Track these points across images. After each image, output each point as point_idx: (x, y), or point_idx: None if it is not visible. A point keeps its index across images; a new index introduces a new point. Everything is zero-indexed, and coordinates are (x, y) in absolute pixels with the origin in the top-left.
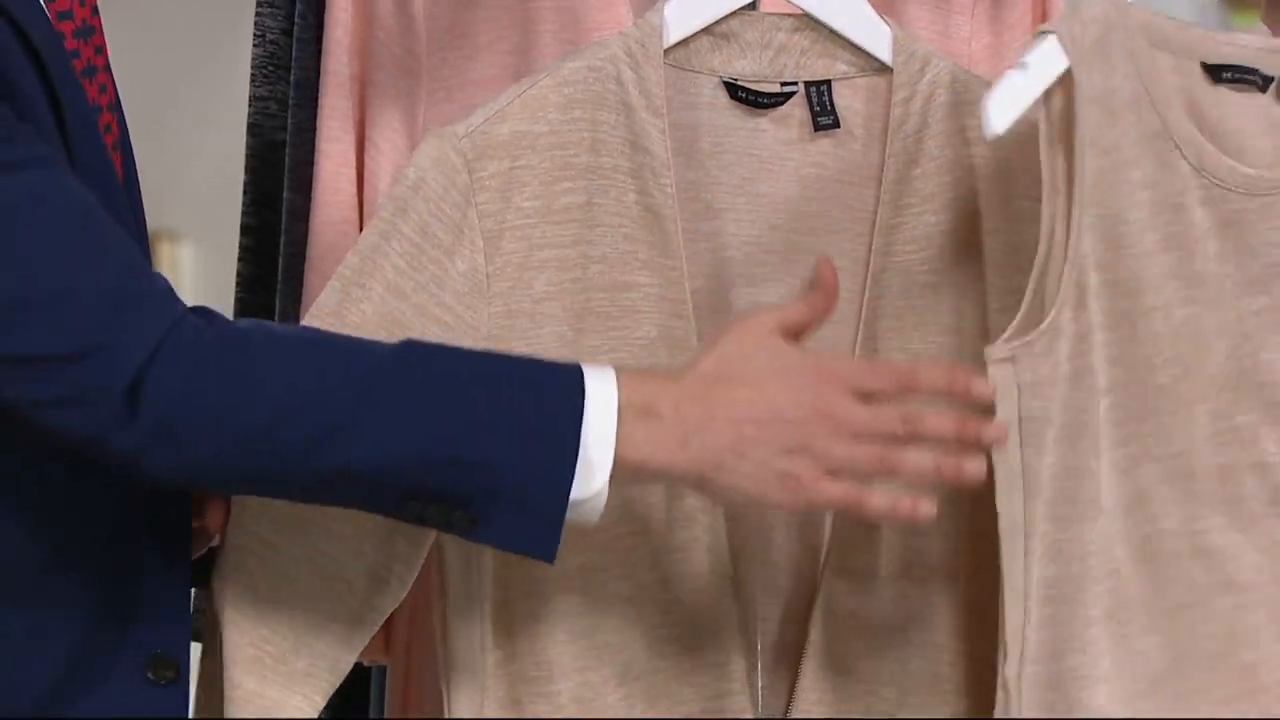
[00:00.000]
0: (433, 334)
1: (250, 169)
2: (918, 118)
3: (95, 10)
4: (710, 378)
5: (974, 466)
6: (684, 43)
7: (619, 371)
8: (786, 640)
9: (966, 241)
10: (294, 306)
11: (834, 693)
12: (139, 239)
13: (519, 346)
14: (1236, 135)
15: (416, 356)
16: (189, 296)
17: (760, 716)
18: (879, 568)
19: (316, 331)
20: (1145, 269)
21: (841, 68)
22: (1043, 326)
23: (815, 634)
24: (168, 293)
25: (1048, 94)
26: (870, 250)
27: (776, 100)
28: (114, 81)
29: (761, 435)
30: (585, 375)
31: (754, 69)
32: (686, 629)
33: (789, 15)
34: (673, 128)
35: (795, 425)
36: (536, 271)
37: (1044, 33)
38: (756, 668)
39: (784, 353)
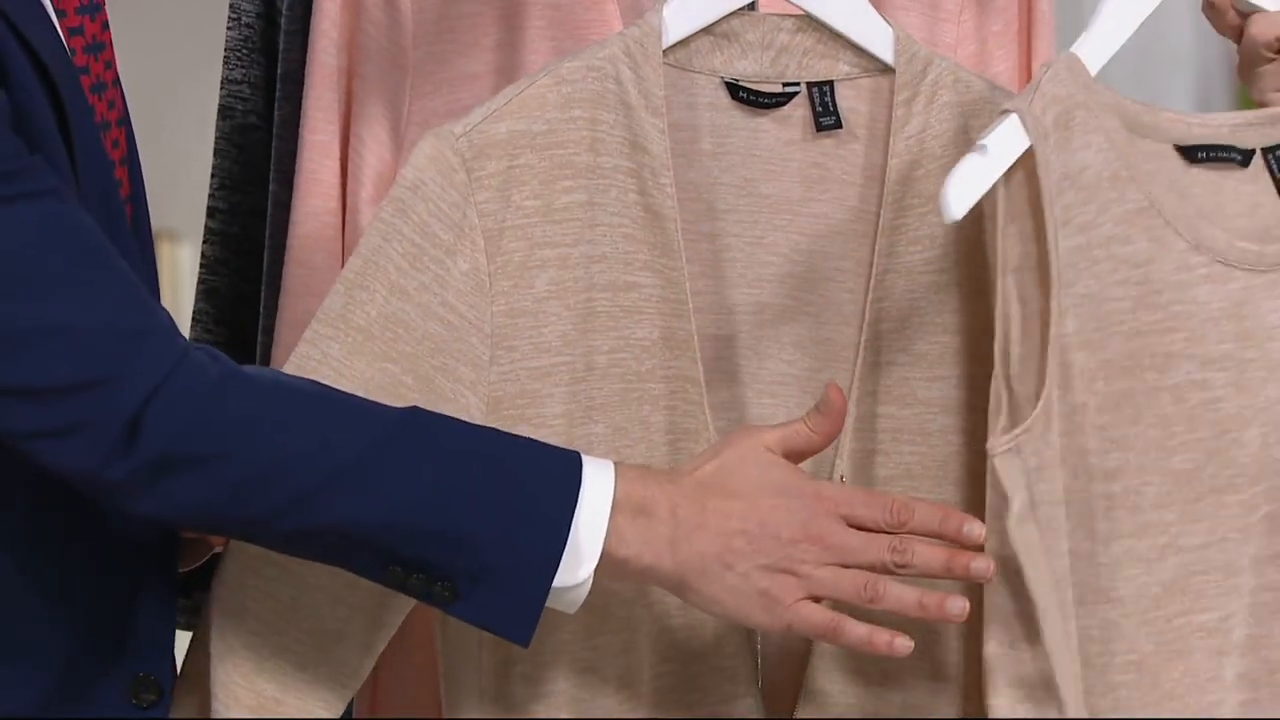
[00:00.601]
0: (436, 333)
1: (219, 152)
2: (920, 118)
3: (106, 25)
4: (707, 485)
5: (957, 605)
6: (685, 43)
7: (618, 465)
8: (792, 642)
9: (970, 241)
10: (274, 299)
11: (840, 695)
12: (145, 254)
13: (523, 346)
14: (1216, 214)
15: (420, 425)
16: (188, 297)
17: (767, 718)
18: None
19: (323, 386)
20: (1144, 348)
21: (844, 68)
22: (1038, 410)
23: None
24: (171, 329)
25: (1008, 175)
26: (874, 251)
27: (778, 100)
28: (124, 96)
29: (750, 549)
30: (584, 464)
31: (756, 69)
32: (692, 631)
33: (790, 16)
34: (674, 128)
35: (784, 544)
36: (538, 270)
37: (1005, 112)
38: (760, 670)
39: (783, 471)
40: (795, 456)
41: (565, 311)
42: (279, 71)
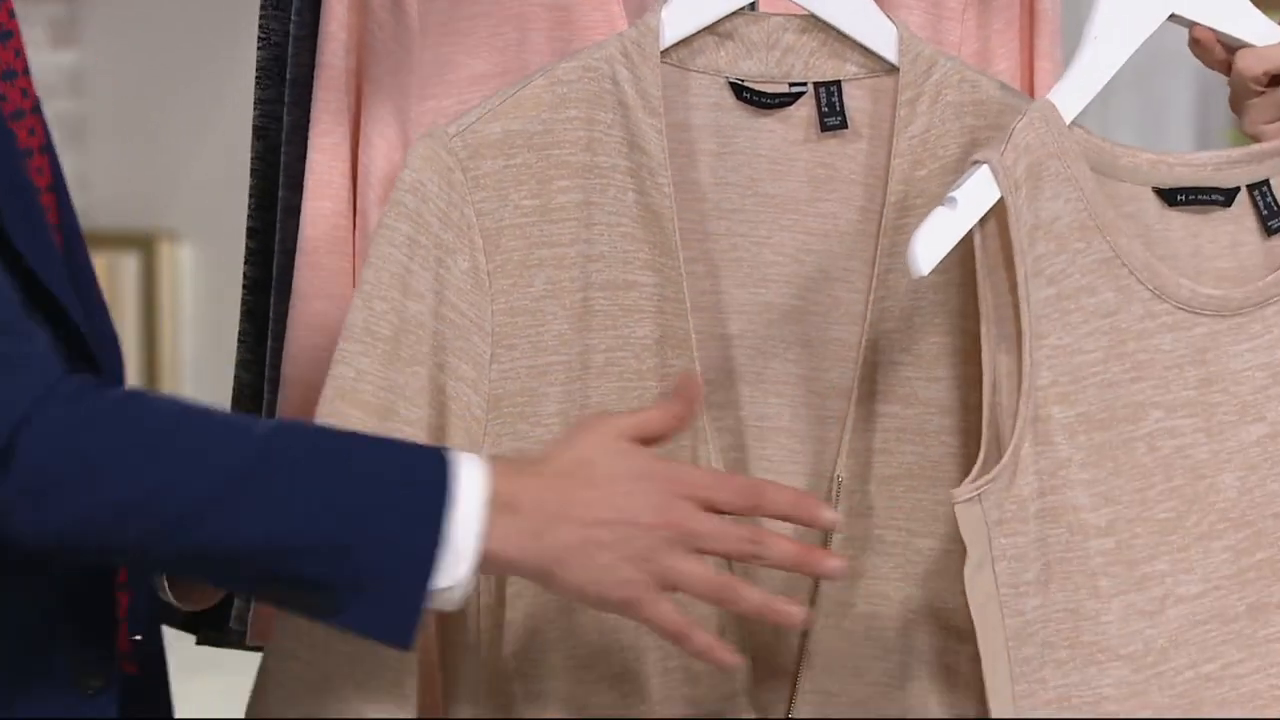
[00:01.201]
0: (441, 332)
1: (254, 172)
2: (924, 118)
3: (12, 14)
4: (567, 475)
5: (798, 613)
6: (688, 43)
7: (487, 460)
8: (786, 642)
9: (972, 243)
10: (284, 304)
11: (834, 694)
12: (73, 246)
13: (522, 344)
14: (1193, 258)
15: (290, 438)
16: (189, 296)
17: (762, 718)
18: (879, 569)
19: (195, 408)
20: (1116, 399)
21: (852, 69)
22: (1002, 463)
23: (815, 635)
24: (47, 355)
25: (981, 225)
26: (876, 251)
27: (783, 101)
28: (33, 85)
29: (610, 539)
30: (456, 464)
31: (761, 69)
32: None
33: (795, 15)
34: (678, 128)
35: (644, 532)
36: (536, 270)
37: (975, 162)
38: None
39: (639, 457)
40: (650, 442)
41: (561, 311)
42: (288, 77)
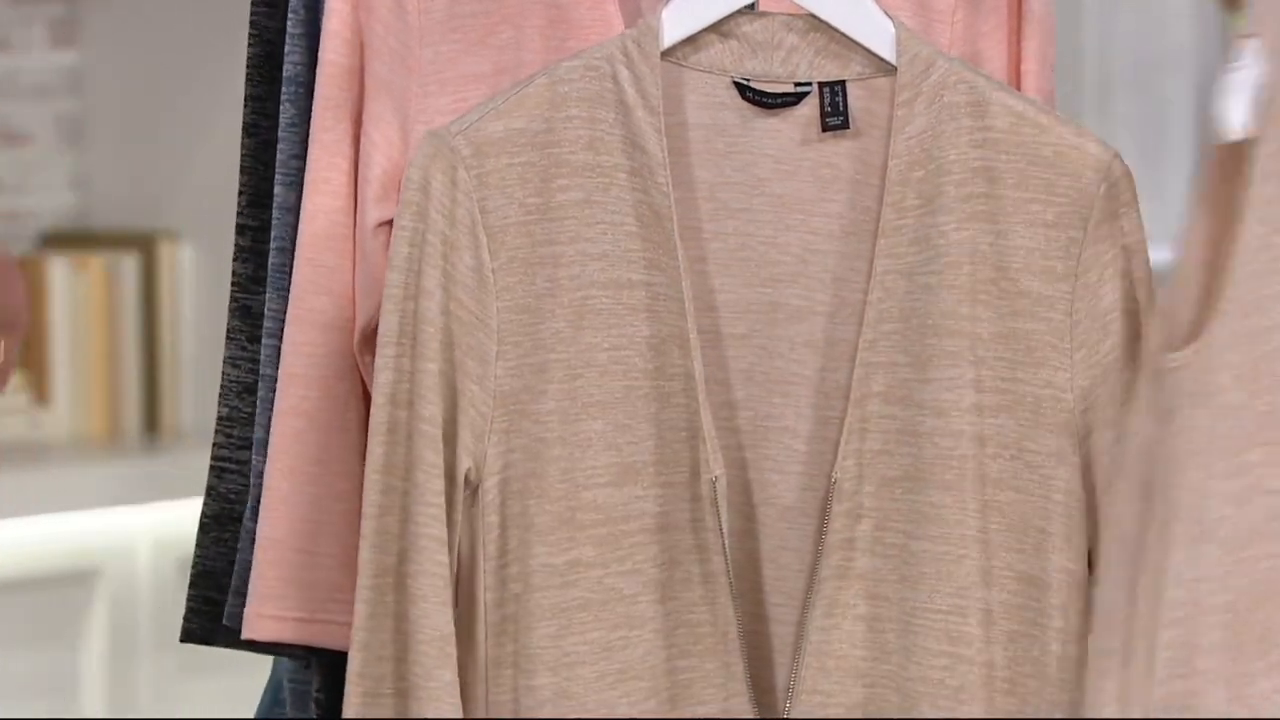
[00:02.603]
0: (451, 330)
1: (245, 169)
2: (922, 119)
3: None
4: None
5: None
6: (694, 43)
7: None
8: (786, 641)
9: (970, 243)
10: (279, 300)
11: (832, 696)
12: None
13: (525, 342)
14: None
15: None
16: (189, 297)
17: (760, 717)
18: (878, 571)
19: None
20: (1262, 288)
21: (856, 69)
22: (1199, 341)
23: (814, 635)
24: None
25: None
26: (874, 252)
27: (788, 100)
28: None
29: None
30: None
31: (766, 69)
32: (690, 629)
33: (798, 16)
34: (684, 127)
35: None
36: (537, 267)
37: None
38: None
39: None
40: None
41: (560, 309)
42: (284, 74)
